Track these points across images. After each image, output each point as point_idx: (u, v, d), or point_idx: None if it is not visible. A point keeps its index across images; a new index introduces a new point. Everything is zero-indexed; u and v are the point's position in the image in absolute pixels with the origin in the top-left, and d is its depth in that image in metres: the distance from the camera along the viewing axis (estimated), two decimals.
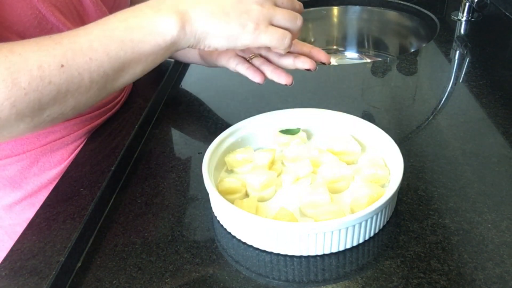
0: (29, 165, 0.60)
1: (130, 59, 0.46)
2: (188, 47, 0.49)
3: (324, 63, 0.57)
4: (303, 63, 0.55)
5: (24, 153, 0.59)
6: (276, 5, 0.49)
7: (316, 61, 0.57)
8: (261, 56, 0.58)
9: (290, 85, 0.56)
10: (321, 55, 0.57)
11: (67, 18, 0.53)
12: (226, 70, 0.61)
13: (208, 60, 0.66)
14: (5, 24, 0.48)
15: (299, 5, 0.52)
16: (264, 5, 0.47)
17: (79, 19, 0.56)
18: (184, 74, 0.84)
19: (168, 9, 0.46)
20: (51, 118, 0.45)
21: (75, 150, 0.62)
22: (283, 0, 0.50)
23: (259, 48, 0.57)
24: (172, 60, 0.82)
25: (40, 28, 0.51)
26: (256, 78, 0.57)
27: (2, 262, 0.45)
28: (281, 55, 0.56)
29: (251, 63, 0.58)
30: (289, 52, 0.55)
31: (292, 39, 0.50)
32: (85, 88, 0.44)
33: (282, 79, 0.56)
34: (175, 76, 0.83)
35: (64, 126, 0.60)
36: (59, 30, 0.52)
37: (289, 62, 0.56)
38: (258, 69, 0.57)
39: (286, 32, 0.48)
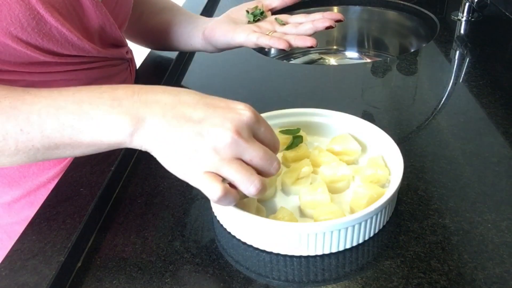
0: (28, 164, 0.60)
1: (66, 143, 0.41)
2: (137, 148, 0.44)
3: (340, 21, 0.60)
4: (322, 23, 0.58)
5: None
6: (241, 158, 0.41)
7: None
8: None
9: (315, 46, 0.58)
10: (334, 15, 0.60)
11: (66, 19, 0.53)
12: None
13: (220, 42, 0.66)
14: (2, 24, 0.48)
15: (275, 168, 0.43)
16: (220, 153, 0.40)
17: (78, 19, 0.55)
18: (184, 74, 0.84)
19: (126, 110, 0.41)
20: None
21: None
22: (253, 157, 0.41)
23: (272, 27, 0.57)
24: (173, 59, 0.82)
25: (38, 29, 0.50)
26: (281, 45, 0.57)
27: (2, 262, 0.45)
28: (297, 24, 0.60)
29: (271, 36, 0.59)
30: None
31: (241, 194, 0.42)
32: (10, 152, 0.42)
33: (308, 41, 0.58)
34: (175, 76, 0.83)
35: None
36: (58, 31, 0.52)
37: (307, 28, 0.58)
38: (281, 38, 0.59)
39: (219, 187, 0.40)
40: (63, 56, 0.56)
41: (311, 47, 0.58)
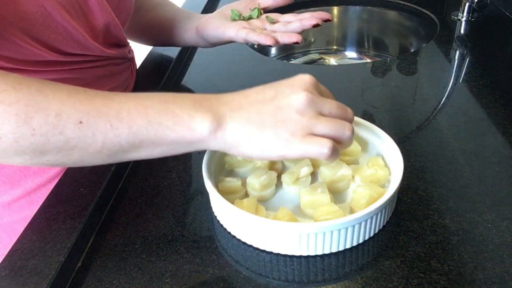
0: None
1: (151, 140, 0.43)
2: (218, 149, 0.45)
3: (328, 20, 0.62)
4: (309, 21, 0.60)
5: None
6: (322, 113, 0.44)
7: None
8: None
9: (301, 42, 0.60)
10: (322, 15, 0.62)
11: (72, 17, 0.53)
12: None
13: (212, 36, 0.68)
14: (10, 20, 0.48)
15: (351, 113, 0.46)
16: (304, 114, 0.42)
17: (84, 18, 0.56)
18: (184, 74, 0.84)
19: (207, 109, 0.43)
20: (51, 163, 0.43)
21: None
22: (331, 108, 0.44)
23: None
24: (173, 59, 0.82)
25: (46, 26, 0.51)
26: (268, 41, 0.59)
27: (2, 262, 0.45)
28: (286, 23, 0.62)
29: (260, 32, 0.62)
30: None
31: (343, 148, 0.45)
32: (95, 150, 0.42)
33: (293, 37, 0.60)
34: (175, 75, 0.83)
35: None
36: (65, 29, 0.53)
37: (295, 26, 0.60)
38: (268, 34, 0.61)
39: (327, 141, 0.42)
40: (68, 54, 0.56)
41: (297, 43, 0.60)
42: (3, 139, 0.39)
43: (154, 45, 0.84)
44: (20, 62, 0.53)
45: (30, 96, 0.39)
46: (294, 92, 0.43)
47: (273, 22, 0.65)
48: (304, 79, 0.45)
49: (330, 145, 0.42)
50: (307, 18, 0.62)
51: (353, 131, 0.44)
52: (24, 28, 0.49)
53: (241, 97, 0.45)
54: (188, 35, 0.73)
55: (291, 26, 0.62)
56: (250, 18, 0.67)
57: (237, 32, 0.63)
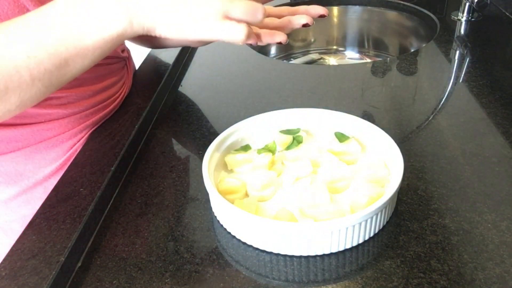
0: (24, 161, 0.60)
1: (74, 54, 0.43)
2: (138, 36, 0.47)
3: (323, 16, 0.56)
4: (299, 19, 0.54)
5: (19, 150, 0.59)
6: None
7: (314, 17, 0.56)
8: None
9: (285, 43, 0.54)
10: (318, 9, 0.56)
11: None
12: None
13: None
14: None
15: None
16: None
17: None
18: (184, 74, 0.84)
19: (116, 1, 0.44)
20: None
21: (71, 147, 0.62)
22: None
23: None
24: (173, 59, 0.82)
25: None
26: (249, 40, 0.55)
27: (2, 262, 0.45)
28: (277, 18, 0.57)
29: None
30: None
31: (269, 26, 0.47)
32: (27, 85, 0.43)
33: (277, 37, 0.54)
34: (175, 76, 0.83)
35: (59, 123, 0.60)
36: None
37: (284, 22, 0.56)
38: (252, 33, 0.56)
39: (244, 26, 0.45)
40: None
41: (280, 43, 0.55)
42: None
43: (150, 47, 0.83)
44: None
45: None
46: None
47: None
48: None
49: (246, 31, 0.44)
50: (297, 17, 0.56)
51: (265, 15, 0.46)
52: None
53: None
54: None
55: (279, 23, 0.56)
56: None
57: None
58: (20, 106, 0.45)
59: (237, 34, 0.44)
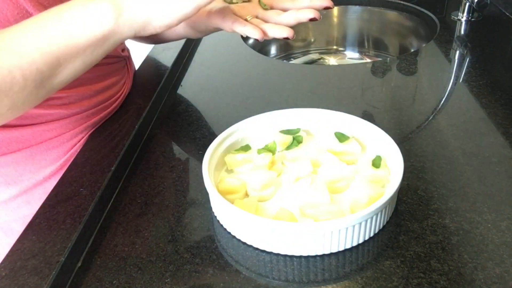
0: (24, 162, 0.60)
1: (65, 53, 0.44)
2: (135, 34, 0.48)
3: (329, 8, 0.55)
4: (305, 14, 0.53)
5: (20, 151, 0.59)
6: None
7: (320, 10, 0.55)
8: (258, 18, 0.57)
9: (292, 38, 0.53)
10: (323, 2, 0.55)
11: None
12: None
13: (198, 25, 0.63)
14: None
15: None
16: None
17: None
18: (184, 74, 0.84)
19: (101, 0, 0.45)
20: None
21: (71, 148, 0.62)
22: None
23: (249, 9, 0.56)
24: (173, 59, 0.82)
25: None
26: (255, 34, 0.53)
27: (2, 262, 0.45)
28: (281, 12, 0.55)
29: (248, 21, 0.55)
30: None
31: None
32: (19, 86, 0.42)
33: (284, 32, 0.53)
34: (175, 76, 0.83)
35: (60, 124, 0.60)
36: None
37: (290, 17, 0.54)
38: (257, 26, 0.54)
39: None
40: None
41: (287, 38, 0.54)
42: None
43: (151, 42, 0.83)
44: None
45: None
46: None
47: (266, 8, 0.58)
48: None
49: None
50: (304, 11, 0.54)
51: None
52: None
53: None
54: (177, 26, 0.69)
55: (284, 18, 0.55)
56: (243, 1, 0.60)
57: (223, 19, 0.57)
58: (11, 110, 0.44)
59: None
